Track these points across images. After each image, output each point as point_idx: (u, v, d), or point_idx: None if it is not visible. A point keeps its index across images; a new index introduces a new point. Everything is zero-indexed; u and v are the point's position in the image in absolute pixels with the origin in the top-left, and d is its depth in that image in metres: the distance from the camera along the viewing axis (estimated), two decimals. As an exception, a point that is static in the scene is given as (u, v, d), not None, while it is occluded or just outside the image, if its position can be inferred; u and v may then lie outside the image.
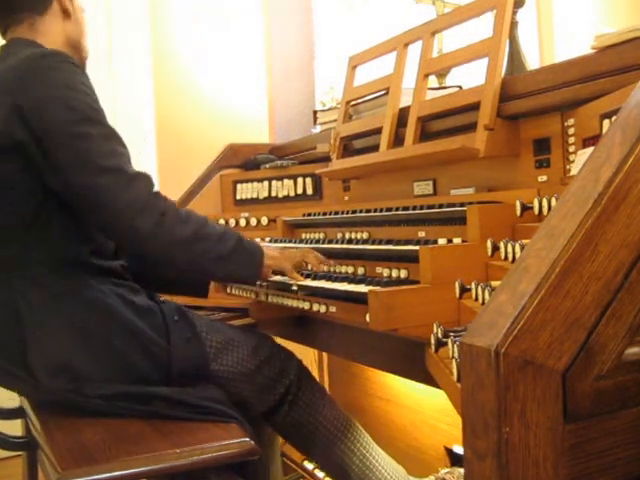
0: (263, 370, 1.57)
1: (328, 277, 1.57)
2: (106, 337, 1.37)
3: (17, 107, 1.32)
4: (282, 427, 1.64)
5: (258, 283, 1.74)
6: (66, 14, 1.55)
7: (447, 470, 1.82)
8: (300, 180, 2.35)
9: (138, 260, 1.67)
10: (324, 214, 1.98)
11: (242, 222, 2.36)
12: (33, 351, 1.33)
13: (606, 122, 1.23)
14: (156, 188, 1.39)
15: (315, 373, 2.54)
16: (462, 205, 1.46)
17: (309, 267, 1.64)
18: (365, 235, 1.77)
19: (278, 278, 1.68)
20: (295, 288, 1.59)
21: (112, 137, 1.38)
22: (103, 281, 1.43)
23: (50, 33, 1.53)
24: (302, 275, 1.62)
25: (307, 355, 2.43)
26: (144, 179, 1.37)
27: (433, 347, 1.05)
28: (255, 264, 1.51)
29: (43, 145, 1.32)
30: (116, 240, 1.48)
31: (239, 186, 2.53)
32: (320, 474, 2.16)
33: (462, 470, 1.76)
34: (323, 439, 1.61)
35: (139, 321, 1.41)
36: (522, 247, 1.06)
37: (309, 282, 1.58)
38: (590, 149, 1.26)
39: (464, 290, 1.14)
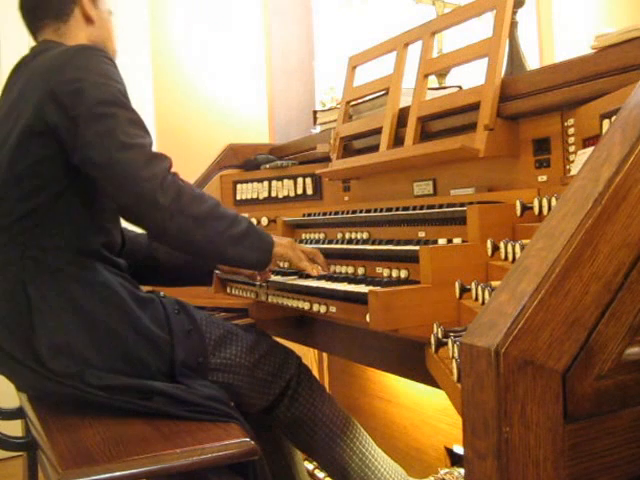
0: (262, 365, 1.59)
1: (328, 277, 1.58)
2: (110, 324, 1.39)
3: (51, 91, 1.38)
4: (283, 423, 1.65)
5: (258, 284, 1.74)
6: (89, 20, 1.60)
7: (446, 470, 1.82)
8: (300, 180, 2.35)
9: (139, 259, 1.68)
10: (324, 214, 1.98)
11: (242, 222, 2.36)
12: (39, 332, 1.35)
13: (606, 122, 1.23)
14: (171, 166, 1.42)
15: (315, 373, 2.54)
16: (462, 205, 1.46)
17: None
18: (365, 235, 1.77)
19: (278, 278, 1.68)
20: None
21: (138, 123, 1.41)
22: (110, 271, 1.46)
23: (75, 38, 1.57)
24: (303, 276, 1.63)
25: (307, 355, 2.44)
26: (164, 159, 1.40)
27: (433, 347, 1.05)
28: (266, 249, 1.51)
29: (76, 125, 1.36)
30: (136, 216, 1.43)
31: (239, 186, 2.53)
32: (320, 474, 2.16)
33: (462, 470, 1.76)
34: (323, 436, 1.61)
35: (142, 312, 1.44)
36: (522, 247, 1.06)
37: (309, 282, 1.58)
38: (590, 149, 1.26)
39: (464, 290, 1.14)
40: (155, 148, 3.03)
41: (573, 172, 1.34)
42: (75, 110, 1.36)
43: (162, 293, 1.55)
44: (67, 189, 1.42)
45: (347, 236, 1.83)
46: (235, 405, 1.44)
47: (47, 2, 1.58)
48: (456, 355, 0.90)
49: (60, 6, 1.58)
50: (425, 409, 1.97)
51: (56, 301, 1.38)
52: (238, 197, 2.53)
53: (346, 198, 2.18)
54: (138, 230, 1.81)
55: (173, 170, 1.41)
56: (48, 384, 1.36)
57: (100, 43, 1.61)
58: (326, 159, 2.18)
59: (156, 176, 1.35)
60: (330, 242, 1.83)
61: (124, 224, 1.59)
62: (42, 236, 1.41)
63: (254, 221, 2.34)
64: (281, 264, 1.75)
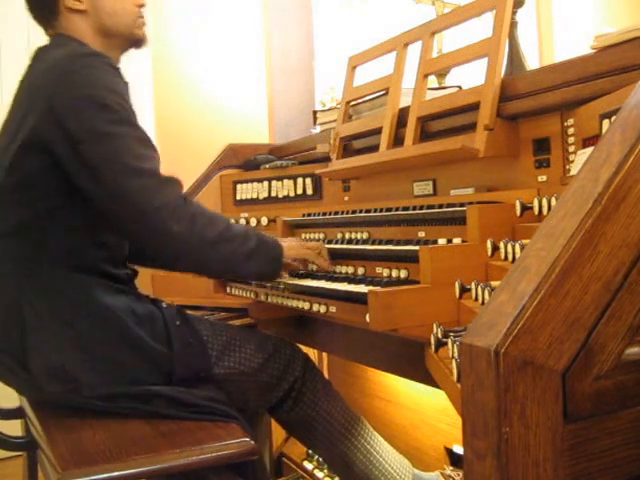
0: (266, 368, 1.57)
1: (328, 277, 1.58)
2: (107, 345, 1.37)
3: (52, 107, 1.32)
4: (285, 422, 1.64)
5: (255, 283, 1.75)
6: (74, 11, 1.49)
7: (452, 468, 1.82)
8: (300, 180, 2.35)
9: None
10: (324, 214, 1.98)
11: (242, 222, 2.36)
12: (33, 354, 1.34)
13: (606, 122, 1.23)
14: (182, 189, 1.39)
15: (315, 373, 2.54)
16: (462, 205, 1.46)
17: (313, 268, 1.66)
18: (365, 235, 1.77)
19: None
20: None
21: (146, 141, 1.37)
22: (109, 288, 1.42)
23: (75, 31, 1.49)
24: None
25: (307, 355, 2.43)
26: (175, 184, 1.37)
27: (433, 347, 1.05)
28: (276, 259, 1.53)
29: (77, 144, 1.31)
30: (146, 243, 1.41)
31: (239, 186, 2.53)
32: (320, 474, 2.16)
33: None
34: (326, 434, 1.61)
35: (141, 330, 1.40)
36: (522, 247, 1.06)
37: (309, 282, 1.58)
38: (590, 149, 1.26)
39: (464, 290, 1.14)
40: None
41: (573, 172, 1.34)
42: (77, 130, 1.31)
43: (164, 304, 1.51)
44: (65, 204, 1.38)
45: (347, 236, 1.83)
46: (236, 407, 1.43)
47: (31, 3, 1.52)
48: (456, 355, 0.90)
49: (45, 3, 1.50)
50: (425, 409, 1.97)
51: (51, 322, 1.35)
52: (238, 197, 2.53)
53: (346, 198, 2.18)
54: None
55: (183, 193, 1.38)
56: (48, 397, 1.37)
57: (103, 28, 1.51)
58: (326, 159, 2.18)
59: (169, 204, 1.32)
60: (330, 242, 1.83)
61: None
62: (39, 250, 1.38)
63: (254, 221, 2.34)
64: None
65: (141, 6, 1.57)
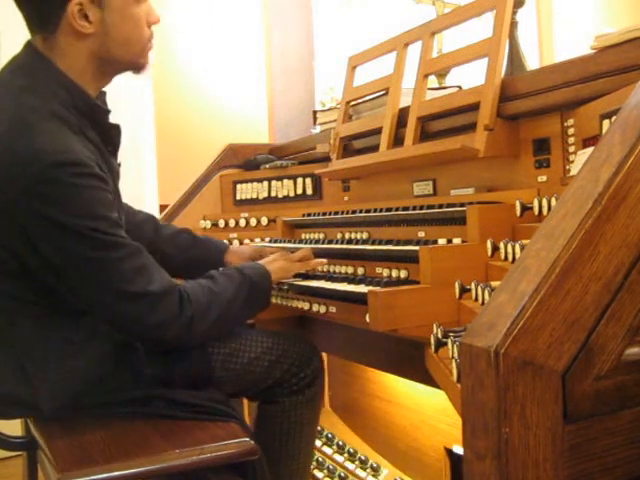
0: (274, 370, 1.55)
1: (328, 277, 1.58)
2: (108, 366, 1.36)
3: (22, 227, 1.24)
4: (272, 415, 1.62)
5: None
6: (79, 35, 1.32)
7: None
8: (300, 180, 2.35)
9: None
10: (324, 214, 1.98)
11: (242, 222, 2.36)
12: (36, 385, 1.32)
13: (606, 122, 1.23)
14: (178, 292, 1.33)
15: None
16: (462, 205, 1.46)
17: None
18: (365, 235, 1.77)
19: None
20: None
21: (130, 255, 1.28)
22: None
23: (67, 55, 1.33)
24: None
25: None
26: (170, 294, 1.31)
27: (433, 347, 1.05)
28: (266, 294, 1.53)
29: (59, 271, 1.27)
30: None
31: (239, 186, 2.53)
32: (320, 474, 2.16)
33: None
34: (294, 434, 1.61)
35: (140, 349, 1.40)
36: (522, 247, 1.06)
37: (309, 282, 1.58)
38: (590, 149, 1.26)
39: (464, 290, 1.14)
40: (155, 149, 3.00)
41: (573, 172, 1.34)
42: (60, 260, 1.25)
43: None
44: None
45: (347, 236, 1.83)
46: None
47: (29, 6, 1.32)
48: (456, 355, 0.90)
49: (44, 14, 1.31)
50: (425, 409, 1.97)
51: (53, 362, 1.33)
52: (238, 197, 2.53)
53: (346, 198, 2.18)
54: (141, 212, 1.80)
55: (180, 295, 1.32)
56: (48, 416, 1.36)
57: (103, 55, 1.36)
58: (326, 159, 2.18)
59: (164, 322, 1.30)
60: (330, 242, 1.83)
61: (126, 198, 1.54)
62: (25, 307, 1.34)
63: (254, 221, 2.34)
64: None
65: (154, 24, 1.44)
